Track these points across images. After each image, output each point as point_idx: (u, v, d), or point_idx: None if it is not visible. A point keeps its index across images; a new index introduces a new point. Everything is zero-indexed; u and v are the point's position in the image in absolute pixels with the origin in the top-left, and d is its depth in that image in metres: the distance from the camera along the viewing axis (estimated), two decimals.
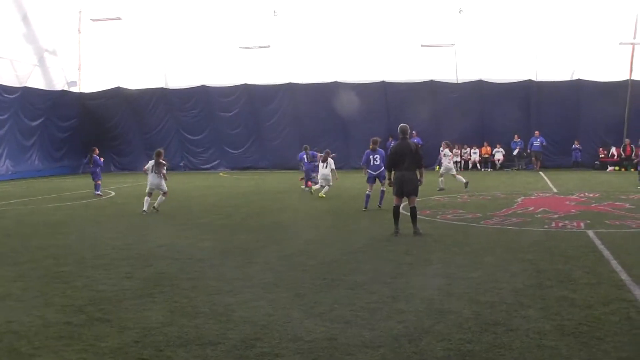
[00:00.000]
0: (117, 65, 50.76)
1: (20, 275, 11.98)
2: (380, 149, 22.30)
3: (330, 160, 26.47)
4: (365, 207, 21.90)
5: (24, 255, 14.14)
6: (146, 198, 22.52)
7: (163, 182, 22.76)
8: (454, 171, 30.29)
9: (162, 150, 23.44)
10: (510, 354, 7.38)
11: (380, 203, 22.09)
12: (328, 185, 26.53)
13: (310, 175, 29.79)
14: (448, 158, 30.23)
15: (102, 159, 31.27)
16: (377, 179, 22.06)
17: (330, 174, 26.40)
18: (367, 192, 22.25)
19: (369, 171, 22.10)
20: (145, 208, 22.27)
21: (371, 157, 22.04)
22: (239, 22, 46.68)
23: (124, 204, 26.30)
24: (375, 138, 22.98)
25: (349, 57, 47.08)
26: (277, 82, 49.32)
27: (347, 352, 7.49)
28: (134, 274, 11.96)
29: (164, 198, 22.88)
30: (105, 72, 51.14)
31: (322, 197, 26.10)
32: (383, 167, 21.25)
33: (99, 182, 30.26)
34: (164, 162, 22.87)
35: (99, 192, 29.79)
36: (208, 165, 51.63)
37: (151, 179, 22.64)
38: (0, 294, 10.58)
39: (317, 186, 27.37)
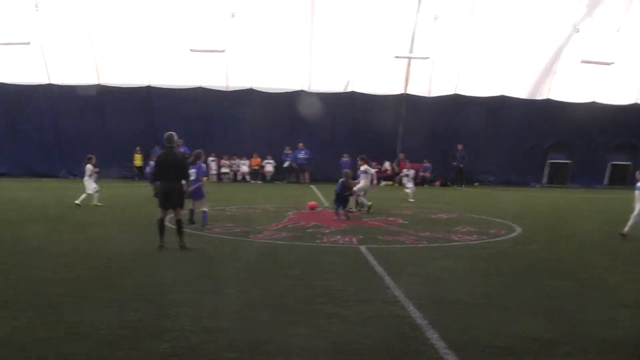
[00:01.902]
0: None
1: None
2: (200, 163, 21.45)
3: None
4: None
5: None
6: None
7: None
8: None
9: None
10: None
11: (203, 224, 20.38)
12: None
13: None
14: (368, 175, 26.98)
15: None
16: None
17: None
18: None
19: None
20: None
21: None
22: None
23: None
24: (197, 151, 21.94)
25: (115, 60, 46.18)
26: (34, 82, 47.33)
27: None
28: None
29: None
30: None
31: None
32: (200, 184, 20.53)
33: None
34: None
35: None
36: None
37: None
38: None
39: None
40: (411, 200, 31.69)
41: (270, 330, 9.01)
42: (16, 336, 8.66)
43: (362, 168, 26.43)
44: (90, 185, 26.91)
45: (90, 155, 27.74)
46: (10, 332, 8.83)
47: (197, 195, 20.25)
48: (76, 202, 26.23)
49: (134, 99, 46.41)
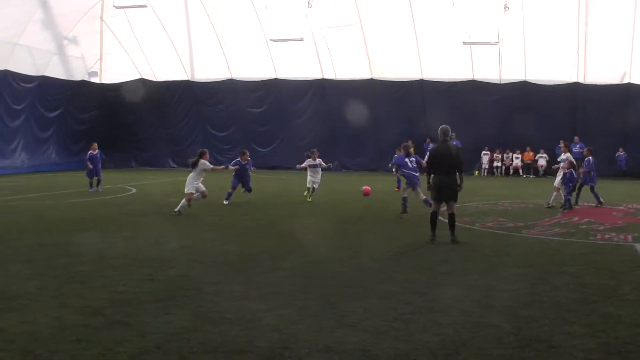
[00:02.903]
0: (140, 55, 51.07)
1: (36, 274, 12.09)
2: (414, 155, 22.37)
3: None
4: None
5: (40, 253, 14.29)
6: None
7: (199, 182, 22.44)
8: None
9: (205, 151, 23.28)
10: None
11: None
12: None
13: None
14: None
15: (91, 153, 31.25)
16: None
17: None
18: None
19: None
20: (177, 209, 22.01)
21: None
22: (271, 12, 46.53)
23: (146, 201, 26.42)
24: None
25: (386, 54, 46.94)
26: (309, 78, 49.47)
27: None
28: (156, 275, 12.02)
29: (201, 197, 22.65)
30: (127, 62, 51.45)
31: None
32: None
33: (91, 180, 30.58)
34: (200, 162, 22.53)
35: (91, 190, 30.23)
36: None
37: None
38: (14, 293, 10.64)
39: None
40: None
41: (541, 328, 8.88)
42: (301, 324, 9.03)
43: (564, 156, 25.21)
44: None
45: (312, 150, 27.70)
46: (296, 320, 9.21)
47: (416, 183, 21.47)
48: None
49: (406, 94, 47.01)
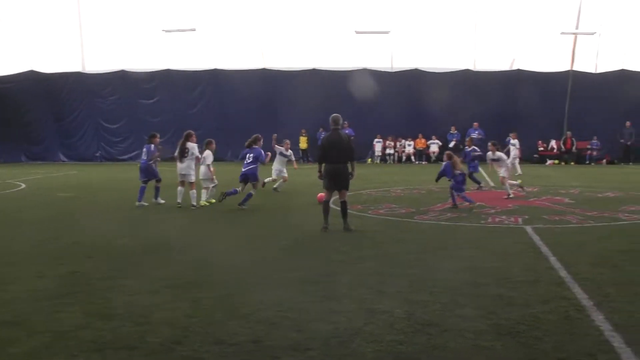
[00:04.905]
0: (31, 46, 50.01)
1: None
2: (256, 147, 21.98)
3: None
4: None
5: None
6: (179, 188, 22.09)
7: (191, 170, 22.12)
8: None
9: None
10: (445, 355, 7.42)
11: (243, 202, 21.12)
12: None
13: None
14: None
15: None
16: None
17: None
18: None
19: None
20: (179, 200, 21.85)
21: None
22: (162, 2, 46.11)
23: (35, 196, 25.87)
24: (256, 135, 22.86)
25: (279, 44, 47.01)
26: (201, 68, 49.10)
27: (273, 355, 7.46)
28: (46, 273, 11.71)
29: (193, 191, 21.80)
30: (18, 53, 50.32)
31: None
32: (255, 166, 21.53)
33: None
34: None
35: None
36: (126, 156, 51.16)
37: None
38: None
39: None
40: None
41: (433, 312, 8.95)
42: (193, 317, 8.91)
43: (496, 155, 24.85)
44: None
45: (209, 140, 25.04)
46: (189, 313, 9.09)
47: (254, 177, 21.42)
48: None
49: (300, 82, 47.08)
